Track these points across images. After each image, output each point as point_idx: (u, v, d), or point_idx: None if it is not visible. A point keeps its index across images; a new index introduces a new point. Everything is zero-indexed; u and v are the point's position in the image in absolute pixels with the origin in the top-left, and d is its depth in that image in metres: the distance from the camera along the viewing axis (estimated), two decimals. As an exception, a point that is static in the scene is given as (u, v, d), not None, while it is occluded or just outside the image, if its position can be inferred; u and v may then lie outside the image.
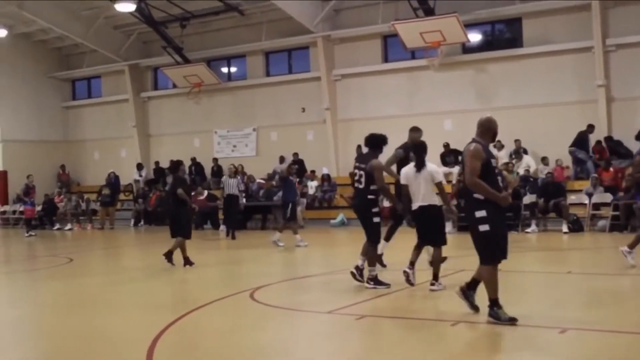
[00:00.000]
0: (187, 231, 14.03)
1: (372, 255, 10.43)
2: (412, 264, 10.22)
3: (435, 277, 9.95)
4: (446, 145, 23.49)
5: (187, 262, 13.81)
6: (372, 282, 10.25)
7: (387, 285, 10.19)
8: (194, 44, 29.22)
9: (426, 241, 10.36)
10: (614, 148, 21.57)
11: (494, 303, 7.50)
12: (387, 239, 12.01)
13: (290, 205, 17.48)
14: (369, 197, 10.39)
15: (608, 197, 19.76)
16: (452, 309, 8.46)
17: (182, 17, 28.24)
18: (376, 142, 10.49)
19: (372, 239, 10.49)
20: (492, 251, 7.46)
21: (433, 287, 9.86)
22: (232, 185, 20.30)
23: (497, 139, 25.06)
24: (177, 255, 13.82)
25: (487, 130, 7.70)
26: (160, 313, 8.88)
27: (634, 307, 8.62)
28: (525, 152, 22.67)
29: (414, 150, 10.42)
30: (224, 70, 30.48)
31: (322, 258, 16.09)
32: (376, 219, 10.39)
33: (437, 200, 10.15)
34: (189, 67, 29.03)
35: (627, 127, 21.69)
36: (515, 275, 11.32)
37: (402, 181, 10.32)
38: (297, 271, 13.14)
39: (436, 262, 10.07)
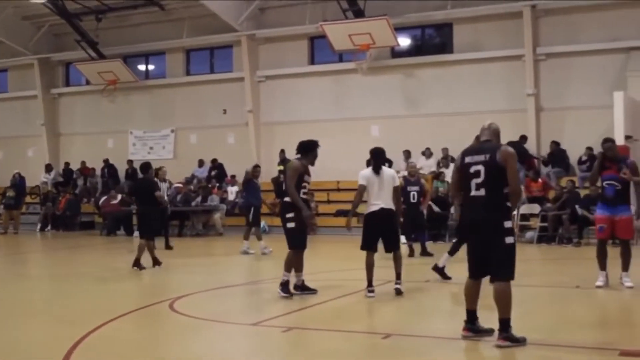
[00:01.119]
0: (154, 231, 14.85)
1: (288, 261, 10.38)
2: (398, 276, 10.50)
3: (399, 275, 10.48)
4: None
5: (156, 262, 14.40)
6: (280, 287, 10.27)
7: (290, 295, 10.21)
8: (110, 38, 28.66)
9: (389, 246, 10.52)
10: (560, 156, 22.07)
11: (509, 323, 7.18)
12: (452, 253, 11.91)
13: (252, 210, 17.24)
14: (285, 199, 10.44)
15: (536, 208, 20.20)
16: (383, 321, 8.49)
17: (98, 10, 27.72)
18: (302, 148, 10.51)
19: (288, 245, 10.50)
20: (514, 264, 7.30)
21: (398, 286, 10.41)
22: (164, 190, 19.72)
23: (426, 147, 25.21)
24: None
25: (499, 136, 7.65)
26: (74, 325, 8.60)
27: (565, 318, 8.80)
28: (453, 160, 22.98)
29: (374, 155, 10.52)
30: (142, 67, 30.07)
31: (244, 267, 15.98)
32: (290, 225, 10.32)
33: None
34: (104, 63, 28.50)
35: (555, 137, 22.31)
36: (445, 286, 11.46)
37: (361, 181, 10.38)
38: (219, 280, 12.97)
39: (400, 260, 10.51)
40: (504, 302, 7.17)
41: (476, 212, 7.29)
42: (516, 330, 7.14)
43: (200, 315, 9.19)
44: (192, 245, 21.18)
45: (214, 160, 27.09)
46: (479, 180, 7.25)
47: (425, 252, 15.97)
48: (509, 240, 7.21)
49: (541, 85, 22.85)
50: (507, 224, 7.23)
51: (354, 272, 11.49)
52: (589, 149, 20.83)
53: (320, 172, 24.60)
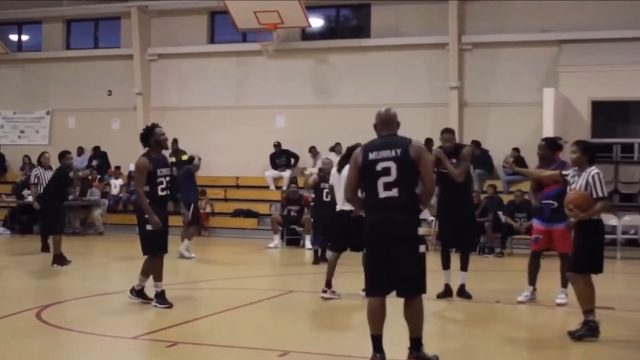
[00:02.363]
0: (62, 226, 15.94)
1: (152, 269, 10.51)
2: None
3: (328, 283, 11.02)
4: (277, 145, 23.72)
5: (62, 260, 15.19)
6: (133, 293, 10.47)
7: (170, 305, 10.26)
8: (-23, 2, 28.00)
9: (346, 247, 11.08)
10: (483, 156, 22.33)
11: (421, 341, 7.21)
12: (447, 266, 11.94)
13: (192, 206, 16.95)
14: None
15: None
16: (282, 336, 8.53)
17: (-38, -32, 27.03)
18: (142, 140, 10.47)
19: (144, 250, 10.58)
20: (425, 276, 7.24)
21: (324, 295, 10.99)
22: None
23: (336, 142, 25.12)
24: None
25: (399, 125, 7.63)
26: None
27: (481, 337, 9.02)
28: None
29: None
30: (14, 37, 29.40)
31: (124, 272, 15.79)
32: (149, 227, 10.31)
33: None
34: (-31, 31, 27.84)
35: (478, 136, 22.64)
36: (354, 299, 11.57)
37: (330, 181, 11.22)
38: (96, 286, 12.81)
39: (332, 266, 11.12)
40: (417, 320, 7.17)
41: (389, 216, 7.06)
42: (427, 350, 7.25)
43: (72, 326, 9.10)
44: (67, 246, 20.72)
45: (95, 148, 26.64)
46: (390, 179, 7.08)
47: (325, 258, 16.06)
48: (422, 249, 7.16)
49: (465, 78, 23.28)
50: (420, 231, 7.19)
51: (250, 280, 11.52)
52: (515, 149, 21.26)
53: (216, 166, 24.76)
